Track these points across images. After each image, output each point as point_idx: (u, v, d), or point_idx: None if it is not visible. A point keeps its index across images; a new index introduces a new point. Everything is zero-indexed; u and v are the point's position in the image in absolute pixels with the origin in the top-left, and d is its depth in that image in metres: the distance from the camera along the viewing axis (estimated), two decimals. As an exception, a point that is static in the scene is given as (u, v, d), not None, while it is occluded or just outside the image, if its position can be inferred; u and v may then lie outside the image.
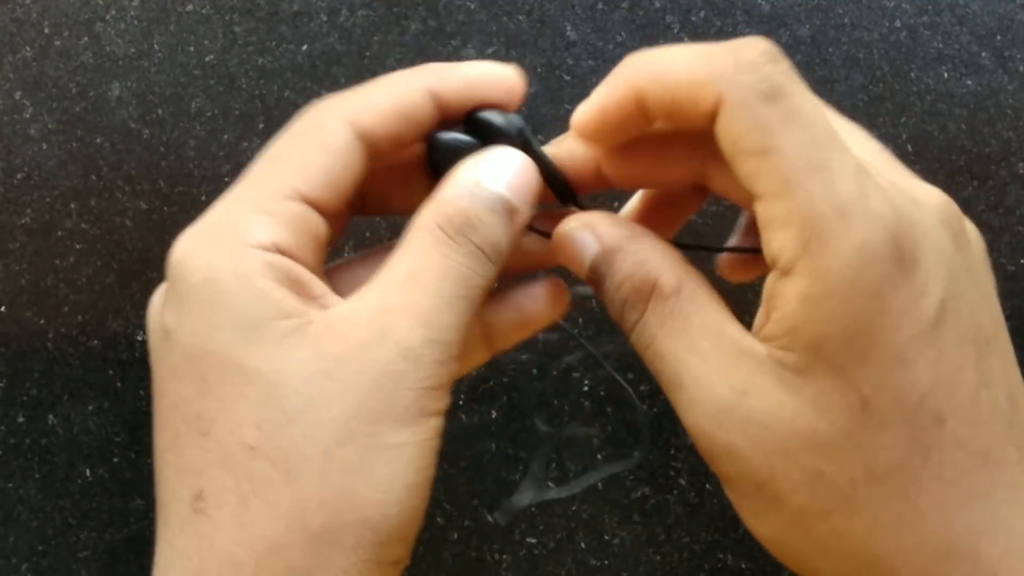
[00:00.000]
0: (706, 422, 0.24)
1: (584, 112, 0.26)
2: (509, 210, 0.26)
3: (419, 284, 0.24)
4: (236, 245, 0.24)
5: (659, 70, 0.24)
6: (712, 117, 0.23)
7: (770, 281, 0.23)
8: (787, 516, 0.23)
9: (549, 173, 0.27)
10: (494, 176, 0.26)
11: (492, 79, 0.27)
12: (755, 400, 0.23)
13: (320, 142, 0.26)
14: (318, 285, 0.25)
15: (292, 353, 0.23)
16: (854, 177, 0.22)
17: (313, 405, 0.23)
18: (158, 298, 0.26)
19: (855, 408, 0.22)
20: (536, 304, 0.29)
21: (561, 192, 0.28)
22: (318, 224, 0.26)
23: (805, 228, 0.22)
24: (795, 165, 0.22)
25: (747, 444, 0.23)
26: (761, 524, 0.24)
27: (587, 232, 0.26)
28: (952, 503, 0.23)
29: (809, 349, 0.22)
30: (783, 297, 0.23)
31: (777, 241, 0.23)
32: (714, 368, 0.24)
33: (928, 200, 0.24)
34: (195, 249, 0.24)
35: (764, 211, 0.23)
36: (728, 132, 0.23)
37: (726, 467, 0.24)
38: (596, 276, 0.26)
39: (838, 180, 0.22)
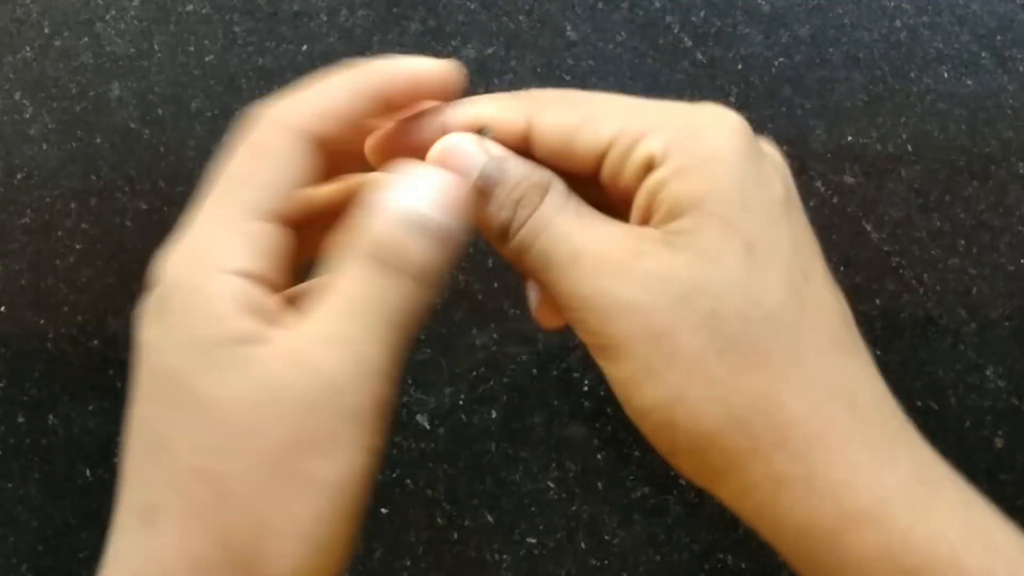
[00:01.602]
0: (607, 283, 0.26)
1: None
2: (436, 230, 0.26)
3: (349, 316, 0.25)
4: (207, 269, 0.25)
5: (466, 106, 0.29)
6: (523, 138, 0.28)
7: (643, 189, 0.26)
8: (685, 365, 0.25)
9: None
10: (415, 196, 0.26)
11: (432, 75, 0.28)
12: (652, 260, 0.25)
13: (274, 156, 0.26)
14: (277, 308, 0.26)
15: (233, 379, 0.24)
16: (668, 100, 0.27)
17: (246, 434, 0.24)
18: (144, 311, 0.27)
19: (740, 252, 0.25)
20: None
21: None
22: (283, 238, 0.26)
23: (665, 127, 0.26)
24: (622, 107, 0.27)
25: (647, 298, 0.25)
26: (656, 386, 0.25)
27: (475, 144, 0.28)
28: (826, 348, 0.25)
29: (693, 207, 0.25)
30: (662, 182, 0.26)
31: (642, 150, 0.26)
32: (610, 241, 0.26)
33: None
34: (168, 269, 0.26)
35: (619, 148, 0.27)
36: (550, 126, 0.27)
37: (623, 324, 0.25)
38: (486, 184, 0.27)
39: (662, 103, 0.27)
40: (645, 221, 0.27)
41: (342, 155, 0.28)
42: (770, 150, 0.28)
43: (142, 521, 0.25)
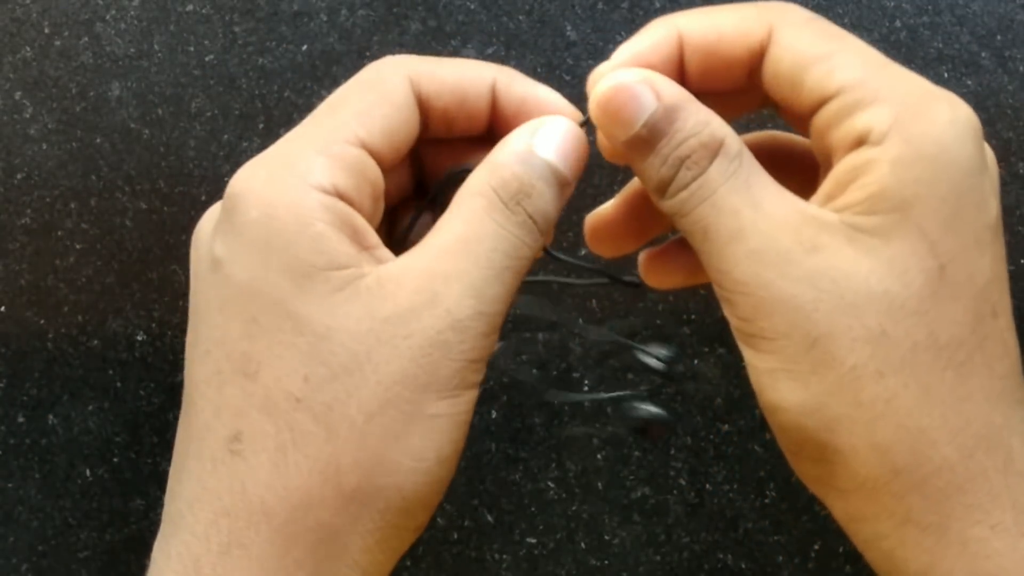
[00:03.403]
0: (769, 272, 0.23)
1: (625, 51, 0.27)
2: (560, 181, 0.25)
3: (471, 252, 0.24)
4: (297, 184, 0.24)
5: (702, 14, 0.26)
6: (756, 53, 0.25)
7: (849, 159, 0.24)
8: (834, 376, 0.23)
9: None
10: (547, 144, 0.25)
11: (553, 110, 0.27)
12: (826, 256, 0.23)
13: (383, 92, 0.25)
14: (372, 236, 0.25)
15: (344, 308, 0.23)
16: (916, 74, 0.24)
17: (360, 365, 0.23)
18: (207, 224, 0.25)
19: (932, 274, 0.23)
20: None
21: None
22: (376, 173, 0.25)
23: (895, 103, 0.23)
24: (867, 60, 0.24)
25: (812, 296, 0.23)
26: (796, 388, 0.23)
27: (646, 86, 0.25)
28: (995, 395, 0.23)
29: (895, 210, 0.23)
30: (872, 163, 0.23)
31: (864, 119, 0.23)
32: (780, 224, 0.24)
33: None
34: (255, 183, 0.24)
35: (843, 102, 0.24)
36: (788, 50, 0.25)
37: (779, 319, 0.23)
38: (651, 134, 0.25)
39: (907, 73, 0.24)
40: (833, 194, 0.24)
41: (442, 131, 0.28)
42: (993, 161, 0.25)
43: (230, 450, 0.23)
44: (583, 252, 0.48)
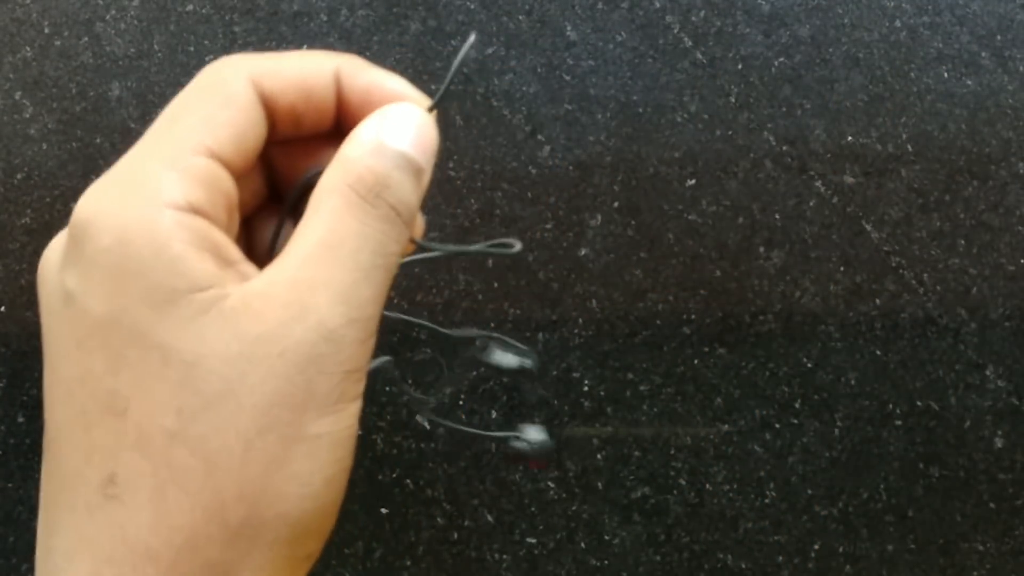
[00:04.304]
0: None
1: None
2: (416, 169, 0.24)
3: (335, 255, 0.23)
4: (148, 204, 0.22)
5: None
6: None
7: None
8: None
9: None
10: (396, 133, 0.24)
11: (399, 98, 0.26)
12: None
13: (225, 96, 0.24)
14: (234, 250, 0.23)
15: (210, 331, 0.22)
16: None
17: (234, 391, 0.21)
18: (54, 255, 0.24)
19: None
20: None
21: None
22: (229, 183, 0.24)
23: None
24: None
25: None
26: None
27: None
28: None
29: None
30: None
31: None
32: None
33: None
34: (104, 207, 0.22)
35: None
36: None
37: None
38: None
39: None
40: None
41: (289, 131, 0.27)
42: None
43: (105, 495, 0.22)
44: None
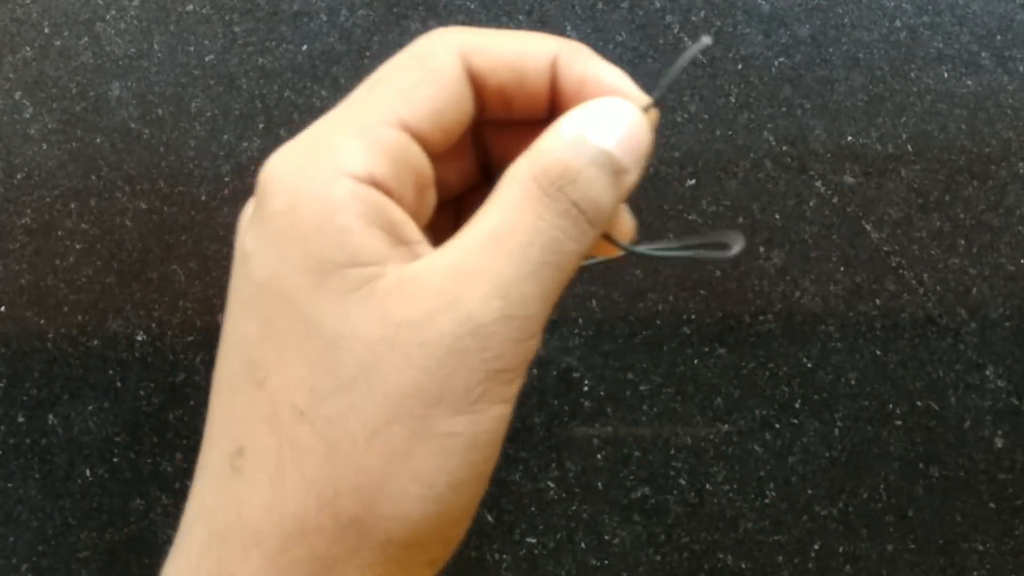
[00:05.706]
0: None
1: None
2: (616, 168, 0.22)
3: (502, 246, 0.21)
4: (327, 171, 0.21)
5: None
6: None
7: None
8: None
9: None
10: (602, 130, 0.22)
11: (614, 92, 0.24)
12: None
13: (430, 69, 0.23)
14: (413, 229, 0.22)
15: (357, 310, 0.21)
16: None
17: (368, 376, 0.20)
18: (245, 214, 0.23)
19: None
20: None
21: None
22: (421, 159, 0.23)
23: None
24: None
25: None
26: None
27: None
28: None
29: None
30: None
31: None
32: None
33: None
34: (283, 171, 0.22)
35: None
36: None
37: None
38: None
39: None
40: None
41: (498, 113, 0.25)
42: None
43: (232, 466, 0.21)
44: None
